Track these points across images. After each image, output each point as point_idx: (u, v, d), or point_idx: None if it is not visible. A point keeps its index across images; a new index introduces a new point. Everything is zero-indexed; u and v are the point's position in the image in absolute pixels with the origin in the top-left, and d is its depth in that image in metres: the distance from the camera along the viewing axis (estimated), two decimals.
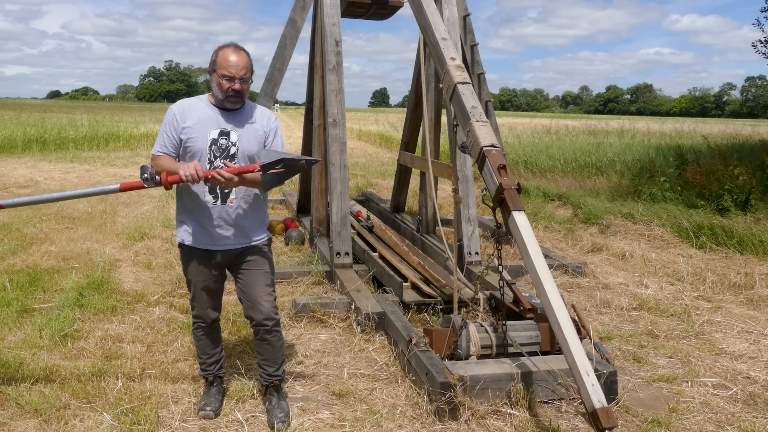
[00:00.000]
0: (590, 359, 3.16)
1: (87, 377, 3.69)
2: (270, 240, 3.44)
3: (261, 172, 3.06)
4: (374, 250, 6.50)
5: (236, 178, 3.01)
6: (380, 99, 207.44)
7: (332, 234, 5.94)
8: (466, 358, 3.78)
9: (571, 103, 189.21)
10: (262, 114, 3.30)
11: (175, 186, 3.13)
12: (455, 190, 5.05)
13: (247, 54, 3.17)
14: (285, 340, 4.40)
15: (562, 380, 3.53)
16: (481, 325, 3.93)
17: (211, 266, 3.29)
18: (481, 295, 4.84)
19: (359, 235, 7.13)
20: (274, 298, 3.36)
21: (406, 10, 7.02)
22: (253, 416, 3.37)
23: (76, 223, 8.28)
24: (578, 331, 3.54)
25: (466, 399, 3.35)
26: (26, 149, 18.84)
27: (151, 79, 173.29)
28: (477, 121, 3.75)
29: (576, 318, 3.77)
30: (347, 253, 5.86)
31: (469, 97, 3.93)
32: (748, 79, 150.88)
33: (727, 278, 6.12)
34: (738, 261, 6.88)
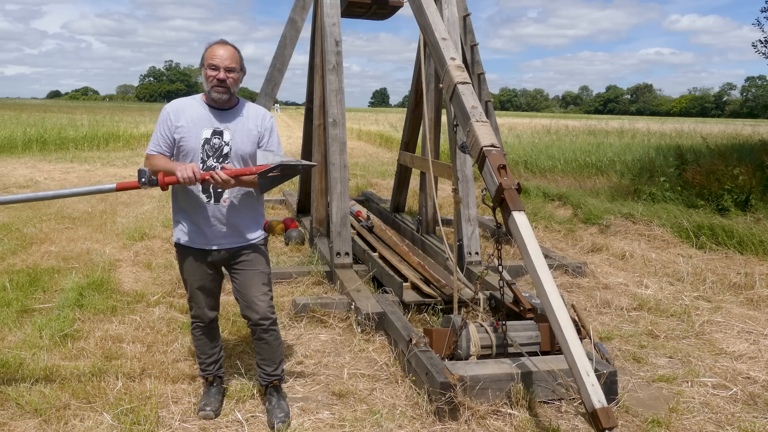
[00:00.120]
0: (590, 359, 3.16)
1: (87, 377, 3.69)
2: (266, 239, 3.42)
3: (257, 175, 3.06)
4: (374, 250, 6.50)
5: (232, 181, 3.01)
6: (380, 99, 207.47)
7: (332, 234, 5.94)
8: (466, 358, 3.78)
9: (571, 103, 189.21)
10: (256, 113, 3.29)
11: (170, 186, 3.13)
12: (455, 190, 5.05)
13: (235, 48, 3.18)
14: (285, 340, 4.41)
15: (562, 380, 3.53)
16: (481, 325, 3.93)
17: (206, 265, 3.29)
18: (481, 295, 4.83)
19: (359, 235, 7.13)
20: (270, 298, 3.35)
21: (406, 10, 7.02)
22: (253, 416, 3.37)
23: (76, 223, 8.28)
24: (578, 331, 3.53)
25: (466, 399, 3.35)
26: (26, 149, 18.84)
27: (151, 79, 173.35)
28: (477, 121, 3.75)
29: (576, 318, 3.77)
30: (347, 253, 5.86)
31: (469, 97, 3.93)
32: (748, 79, 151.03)
33: (727, 278, 6.12)
34: (738, 261, 6.88)
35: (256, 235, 3.32)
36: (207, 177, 2.99)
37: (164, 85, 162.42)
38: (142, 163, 3.27)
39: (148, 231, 7.83)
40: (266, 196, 9.79)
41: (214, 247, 3.23)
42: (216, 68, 3.09)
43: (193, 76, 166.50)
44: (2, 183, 12.04)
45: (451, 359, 3.81)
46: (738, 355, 4.38)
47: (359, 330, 4.56)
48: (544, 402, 3.53)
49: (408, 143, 8.43)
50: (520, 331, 3.93)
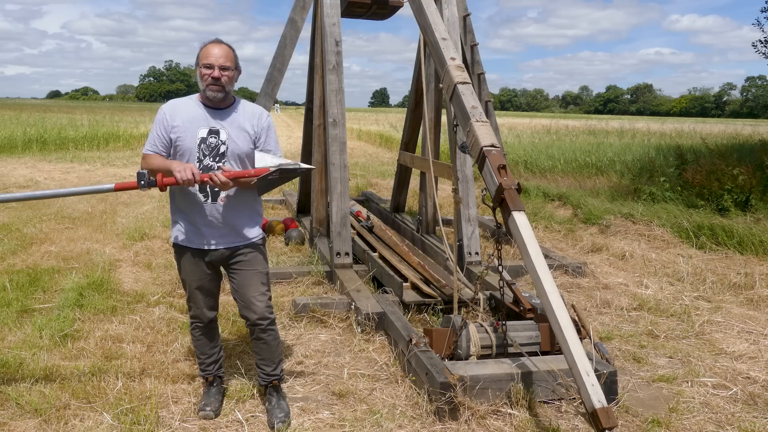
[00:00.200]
0: (590, 359, 3.16)
1: (87, 377, 3.69)
2: (264, 239, 3.42)
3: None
4: (374, 250, 6.50)
5: (231, 183, 3.01)
6: (380, 99, 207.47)
7: (332, 234, 5.94)
8: (466, 358, 3.78)
9: (571, 103, 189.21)
10: (252, 112, 3.28)
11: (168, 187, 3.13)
12: (455, 190, 5.05)
13: (230, 47, 3.18)
14: (285, 340, 4.41)
15: (562, 380, 3.53)
16: (481, 325, 3.93)
17: (204, 265, 3.28)
18: (481, 295, 4.83)
19: (359, 235, 7.13)
20: (269, 298, 3.35)
21: (406, 10, 7.02)
22: (253, 416, 3.37)
23: (76, 223, 8.28)
24: (578, 331, 3.53)
25: (466, 399, 3.35)
26: (26, 149, 18.84)
27: (151, 79, 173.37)
28: (477, 121, 3.75)
29: (576, 318, 3.77)
30: (347, 253, 5.86)
31: (469, 97, 3.93)
32: (748, 79, 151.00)
33: (727, 278, 6.12)
34: (738, 261, 6.88)
35: (253, 234, 3.31)
36: (206, 179, 2.99)
37: (164, 85, 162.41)
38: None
39: (148, 231, 7.83)
40: (266, 196, 9.80)
41: (212, 247, 3.23)
42: (210, 67, 3.09)
43: (193, 76, 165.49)
44: (2, 183, 12.04)
45: (451, 359, 3.80)
46: (738, 355, 4.38)
47: (359, 330, 4.56)
48: (544, 402, 3.53)
49: (408, 143, 8.43)
50: (520, 331, 3.93)
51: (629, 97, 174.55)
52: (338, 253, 5.83)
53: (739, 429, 3.35)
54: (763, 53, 19.68)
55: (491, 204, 3.50)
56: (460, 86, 3.99)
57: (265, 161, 3.11)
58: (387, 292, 5.31)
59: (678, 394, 3.74)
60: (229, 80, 3.14)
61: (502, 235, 3.61)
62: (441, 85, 4.25)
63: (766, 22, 19.18)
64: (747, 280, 6.01)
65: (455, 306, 4.42)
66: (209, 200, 3.17)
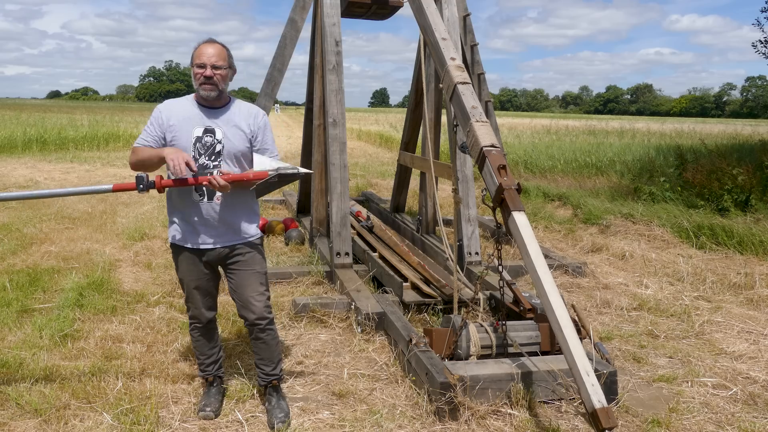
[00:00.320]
0: (590, 359, 3.16)
1: (87, 377, 3.69)
2: (261, 238, 3.41)
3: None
4: (374, 250, 6.50)
5: (230, 187, 3.02)
6: (380, 99, 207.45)
7: (332, 234, 5.94)
8: (466, 358, 3.78)
9: (571, 103, 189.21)
10: (248, 111, 3.28)
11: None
12: (455, 190, 5.05)
13: (223, 46, 3.19)
14: (285, 340, 4.41)
15: (562, 380, 3.53)
16: (481, 325, 3.93)
17: (202, 265, 3.28)
18: (481, 295, 4.83)
19: (359, 235, 7.13)
20: (267, 297, 3.34)
21: (406, 10, 7.02)
22: (253, 416, 3.37)
23: (76, 223, 8.28)
24: (578, 331, 3.53)
25: (466, 399, 3.35)
26: (26, 149, 18.84)
27: (151, 79, 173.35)
28: (477, 121, 3.75)
29: (576, 318, 3.77)
30: (347, 253, 5.86)
31: (469, 97, 3.93)
32: (748, 79, 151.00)
33: (727, 278, 6.12)
34: (738, 261, 6.88)
35: (251, 232, 3.30)
36: (205, 182, 3.00)
37: (164, 85, 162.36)
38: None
39: (148, 231, 7.83)
40: (266, 197, 9.79)
41: (209, 246, 3.22)
42: (203, 66, 3.10)
43: None
44: (2, 183, 12.04)
45: (451, 359, 3.80)
46: (738, 355, 4.38)
47: (359, 330, 4.56)
48: (544, 402, 3.53)
49: (408, 143, 8.43)
50: (520, 331, 3.92)
51: (629, 97, 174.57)
52: (338, 253, 5.83)
53: (739, 429, 3.35)
54: (763, 53, 19.69)
55: (491, 204, 3.50)
56: (460, 86, 3.99)
57: (263, 165, 3.11)
58: (387, 292, 5.31)
59: (678, 394, 3.74)
60: (221, 79, 3.13)
61: (502, 235, 3.61)
62: (441, 85, 4.25)
63: (766, 22, 19.21)
64: (747, 280, 6.01)
65: (455, 306, 4.42)
66: (205, 199, 3.16)
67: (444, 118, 7.21)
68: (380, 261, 5.98)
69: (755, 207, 8.75)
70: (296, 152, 16.67)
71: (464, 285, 5.40)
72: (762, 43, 19.74)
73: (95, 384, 3.60)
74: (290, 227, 7.82)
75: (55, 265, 6.21)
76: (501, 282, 3.81)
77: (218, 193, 3.16)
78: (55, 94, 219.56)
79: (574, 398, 3.50)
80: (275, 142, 3.38)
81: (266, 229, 7.85)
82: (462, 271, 5.84)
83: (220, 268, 3.40)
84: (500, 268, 3.66)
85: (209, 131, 3.15)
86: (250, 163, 3.25)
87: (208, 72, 3.09)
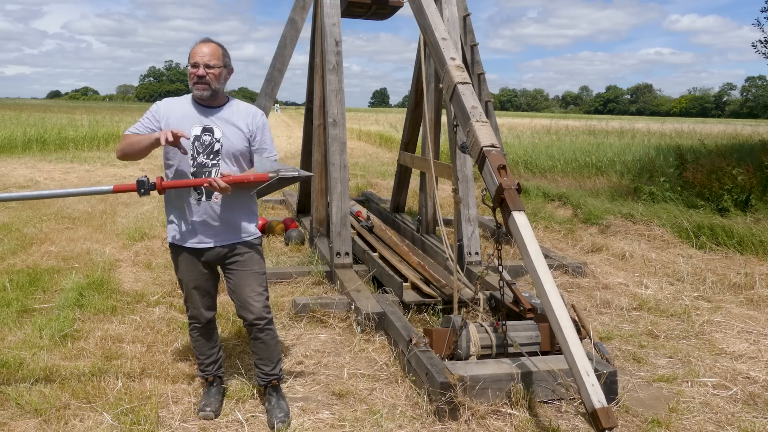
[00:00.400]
0: (590, 359, 3.16)
1: (87, 377, 3.69)
2: (260, 238, 3.40)
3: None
4: (374, 250, 6.50)
5: (231, 189, 3.02)
6: (380, 99, 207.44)
7: (332, 234, 5.94)
8: (466, 358, 3.78)
9: (571, 103, 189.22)
10: (246, 111, 3.28)
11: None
12: (455, 190, 5.05)
13: (218, 45, 3.18)
14: (285, 341, 4.41)
15: (562, 380, 3.53)
16: (481, 325, 3.93)
17: (201, 265, 3.28)
18: (481, 295, 4.83)
19: (359, 235, 7.13)
20: (266, 297, 3.34)
21: (406, 10, 7.02)
22: (253, 416, 3.37)
23: (76, 223, 8.28)
24: (578, 331, 3.54)
25: (466, 399, 3.35)
26: (26, 149, 18.83)
27: (151, 79, 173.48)
28: (477, 121, 3.75)
29: (576, 318, 3.77)
30: (347, 253, 5.86)
31: (469, 97, 3.93)
32: (748, 79, 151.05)
33: (727, 278, 6.12)
34: (738, 261, 6.88)
35: (249, 231, 3.29)
36: (206, 184, 3.00)
37: (164, 85, 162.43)
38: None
39: (148, 231, 7.83)
40: (266, 197, 9.78)
41: (208, 245, 3.22)
42: (196, 65, 3.10)
43: None
44: (2, 183, 12.04)
45: (451, 359, 3.80)
46: (738, 355, 4.38)
47: (359, 330, 4.56)
48: (544, 402, 3.53)
49: (408, 143, 8.43)
50: (520, 331, 3.92)
51: (629, 97, 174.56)
52: (338, 253, 5.83)
53: (739, 429, 3.35)
54: (763, 53, 19.69)
55: (491, 204, 3.50)
56: (460, 86, 3.99)
57: (264, 166, 3.12)
58: (387, 292, 5.31)
59: (678, 394, 3.74)
60: (214, 78, 3.12)
61: (502, 235, 3.61)
62: (441, 85, 4.25)
63: (766, 22, 19.21)
64: (747, 280, 6.02)
65: (455, 306, 4.42)
66: (204, 198, 3.16)
67: (444, 118, 7.21)
68: (380, 261, 5.98)
69: (755, 207, 8.76)
70: (296, 152, 16.67)
71: (464, 285, 5.40)
72: (762, 43, 19.75)
73: (95, 384, 3.60)
74: (290, 227, 7.82)
75: (55, 265, 6.21)
76: (501, 282, 3.81)
77: (216, 192, 3.16)
78: (55, 94, 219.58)
79: (574, 398, 3.50)
80: (274, 143, 3.38)
81: (266, 229, 7.85)
82: (462, 271, 5.84)
83: (219, 268, 3.40)
84: (500, 268, 3.66)
85: (208, 130, 3.15)
86: (249, 163, 3.25)
87: (201, 71, 3.09)
